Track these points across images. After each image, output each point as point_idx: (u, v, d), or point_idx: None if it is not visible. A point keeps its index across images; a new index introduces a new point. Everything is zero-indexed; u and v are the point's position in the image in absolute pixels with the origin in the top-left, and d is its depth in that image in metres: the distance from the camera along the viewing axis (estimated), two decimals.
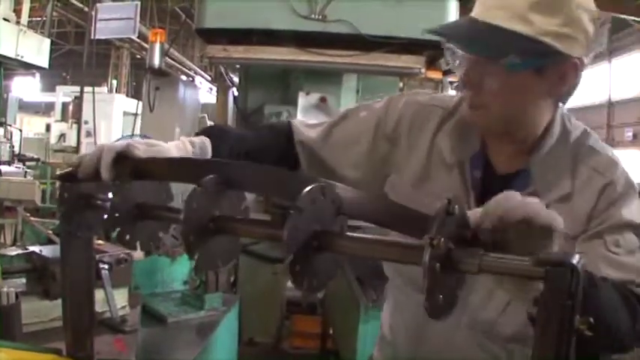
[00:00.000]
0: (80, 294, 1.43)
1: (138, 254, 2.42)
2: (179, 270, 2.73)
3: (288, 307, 4.90)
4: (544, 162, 1.19)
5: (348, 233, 0.84)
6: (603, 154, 1.21)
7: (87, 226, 1.31)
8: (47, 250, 2.08)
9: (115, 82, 15.12)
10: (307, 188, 0.76)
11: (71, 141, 11.18)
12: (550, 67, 1.13)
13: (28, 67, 8.07)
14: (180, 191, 1.24)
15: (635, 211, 1.15)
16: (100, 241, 2.35)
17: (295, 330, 4.16)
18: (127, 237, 1.13)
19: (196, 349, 2.10)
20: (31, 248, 2.14)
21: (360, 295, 3.08)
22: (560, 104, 1.22)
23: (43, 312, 1.89)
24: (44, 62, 8.07)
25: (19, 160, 9.62)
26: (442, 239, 0.72)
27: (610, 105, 19.34)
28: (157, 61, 4.69)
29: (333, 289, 4.42)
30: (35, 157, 11.41)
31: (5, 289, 1.68)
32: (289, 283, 4.71)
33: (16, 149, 10.27)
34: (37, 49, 7.84)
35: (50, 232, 3.43)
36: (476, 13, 1.16)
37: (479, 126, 1.23)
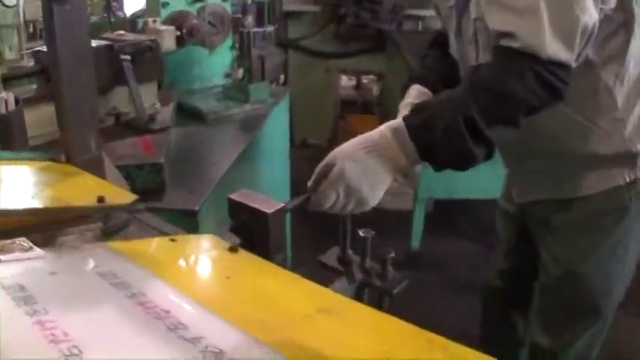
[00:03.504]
0: (77, 73, 1.09)
1: (168, 44, 2.08)
2: (219, 62, 2.41)
3: (343, 106, 4.63)
4: None
5: None
6: None
7: None
8: None
9: None
10: None
11: None
12: None
13: None
14: None
15: None
16: (122, 31, 2.02)
17: (350, 130, 3.93)
18: None
19: (241, 145, 1.82)
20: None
21: None
22: None
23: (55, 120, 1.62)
24: None
25: None
26: None
27: None
28: None
29: (390, 85, 4.07)
30: None
31: (3, 94, 1.39)
32: (343, 82, 4.38)
33: None
34: None
35: None
36: None
37: None
